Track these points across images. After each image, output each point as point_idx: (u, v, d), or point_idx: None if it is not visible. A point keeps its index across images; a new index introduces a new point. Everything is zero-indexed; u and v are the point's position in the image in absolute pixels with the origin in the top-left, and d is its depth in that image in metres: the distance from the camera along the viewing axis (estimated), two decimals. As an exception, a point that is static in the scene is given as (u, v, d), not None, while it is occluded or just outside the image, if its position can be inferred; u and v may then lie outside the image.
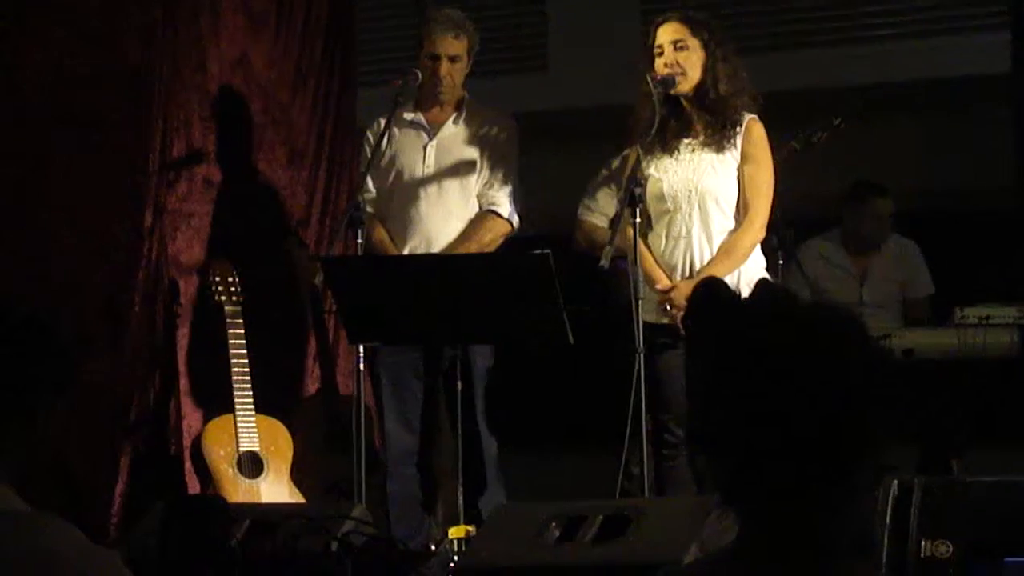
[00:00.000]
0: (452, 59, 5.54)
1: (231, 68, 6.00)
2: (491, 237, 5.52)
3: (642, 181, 4.97)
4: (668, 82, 5.01)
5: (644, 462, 4.80)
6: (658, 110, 4.95)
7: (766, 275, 5.15)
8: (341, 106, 6.33)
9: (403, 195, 5.56)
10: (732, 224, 5.07)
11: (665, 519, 4.15)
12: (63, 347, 2.38)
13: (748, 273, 5.06)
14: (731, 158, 5.06)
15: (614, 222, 4.96)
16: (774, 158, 5.15)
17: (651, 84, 4.98)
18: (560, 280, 4.74)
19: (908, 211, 6.79)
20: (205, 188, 5.88)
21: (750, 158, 5.06)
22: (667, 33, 5.08)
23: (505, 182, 5.54)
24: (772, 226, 5.21)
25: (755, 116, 5.09)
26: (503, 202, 5.53)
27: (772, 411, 1.79)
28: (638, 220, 4.88)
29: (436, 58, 5.53)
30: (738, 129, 5.06)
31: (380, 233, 5.54)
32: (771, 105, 5.18)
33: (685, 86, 5.06)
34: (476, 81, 5.71)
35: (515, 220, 5.55)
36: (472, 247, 5.45)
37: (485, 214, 5.54)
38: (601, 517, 4.18)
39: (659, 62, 5.05)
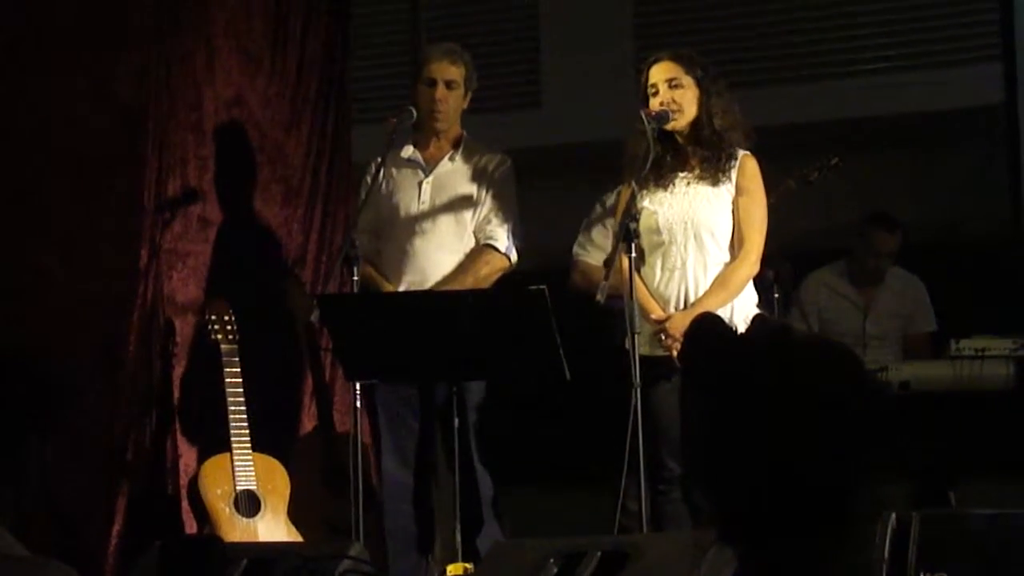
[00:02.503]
0: (448, 84, 5.52)
1: (226, 107, 6.00)
2: (487, 271, 5.49)
3: (637, 216, 4.97)
4: (663, 117, 5.02)
5: (641, 497, 4.79)
6: (653, 145, 4.96)
7: (759, 310, 5.15)
8: (336, 144, 6.32)
9: (398, 232, 5.55)
10: (727, 257, 5.07)
11: (663, 554, 4.13)
12: (51, 386, 2.37)
13: (741, 307, 5.06)
14: (726, 191, 5.07)
15: (609, 258, 4.95)
16: (768, 196, 5.16)
17: (645, 120, 4.98)
18: (556, 316, 4.74)
19: (903, 243, 6.79)
20: (200, 227, 5.88)
21: (744, 192, 5.08)
22: (661, 72, 5.09)
23: (502, 217, 5.52)
24: (768, 261, 5.21)
25: (748, 152, 5.11)
26: (500, 236, 5.51)
27: (770, 448, 1.79)
28: (633, 255, 4.88)
29: (433, 83, 5.51)
30: (732, 163, 5.07)
31: (369, 271, 5.51)
32: (765, 139, 5.19)
33: (681, 122, 5.07)
34: (470, 118, 5.71)
35: (513, 255, 5.52)
36: (468, 280, 5.43)
37: (482, 248, 5.52)
38: (599, 553, 4.16)
39: (654, 101, 5.06)
